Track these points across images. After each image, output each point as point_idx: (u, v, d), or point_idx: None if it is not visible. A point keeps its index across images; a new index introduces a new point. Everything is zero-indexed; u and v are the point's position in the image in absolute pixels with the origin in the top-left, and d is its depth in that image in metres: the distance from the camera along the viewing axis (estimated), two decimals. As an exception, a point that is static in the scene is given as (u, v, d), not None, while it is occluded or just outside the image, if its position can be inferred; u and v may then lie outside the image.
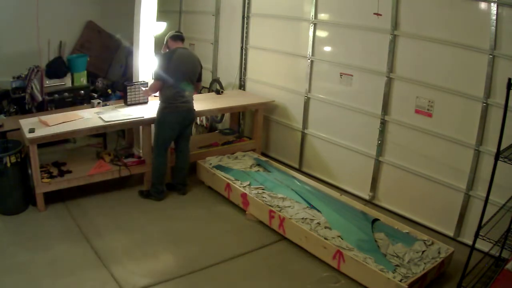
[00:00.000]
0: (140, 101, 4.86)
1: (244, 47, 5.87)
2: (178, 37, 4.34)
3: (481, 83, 3.62)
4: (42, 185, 4.09)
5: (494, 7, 3.44)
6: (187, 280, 3.35)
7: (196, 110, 4.50)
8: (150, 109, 4.70)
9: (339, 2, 4.72)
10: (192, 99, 4.42)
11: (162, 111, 4.27)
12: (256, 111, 5.44)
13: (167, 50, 4.32)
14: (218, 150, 5.22)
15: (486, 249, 3.30)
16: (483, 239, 2.85)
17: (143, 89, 4.67)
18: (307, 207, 3.97)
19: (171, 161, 4.64)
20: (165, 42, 4.39)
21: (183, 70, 4.25)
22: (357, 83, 4.63)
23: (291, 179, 4.56)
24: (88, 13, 6.94)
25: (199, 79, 4.53)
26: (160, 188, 4.45)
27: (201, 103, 5.20)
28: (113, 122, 4.32)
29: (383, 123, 4.42)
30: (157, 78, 4.27)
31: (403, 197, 4.39)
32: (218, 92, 5.70)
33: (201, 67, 4.51)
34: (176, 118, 4.27)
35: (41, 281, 3.23)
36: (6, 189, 4.00)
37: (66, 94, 5.89)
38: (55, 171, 4.35)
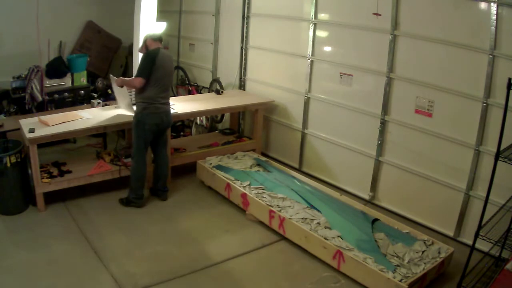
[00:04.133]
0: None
1: (244, 47, 5.87)
2: (158, 38, 4.20)
3: (481, 83, 3.62)
4: (42, 185, 4.09)
5: (494, 7, 3.44)
6: (187, 280, 3.35)
7: (198, 110, 4.38)
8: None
9: (339, 2, 4.72)
10: (169, 101, 4.34)
11: (141, 112, 4.10)
12: (256, 111, 5.44)
13: (149, 49, 4.13)
14: (218, 150, 5.22)
15: (486, 249, 3.30)
16: (483, 239, 2.85)
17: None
18: (307, 207, 3.97)
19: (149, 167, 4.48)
20: (143, 42, 4.22)
21: (164, 72, 4.12)
22: (357, 83, 4.63)
23: (291, 179, 4.56)
24: (88, 13, 6.94)
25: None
26: (140, 193, 4.31)
27: (201, 103, 5.21)
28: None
29: (383, 123, 4.42)
30: (141, 75, 4.01)
31: (403, 197, 4.39)
32: (218, 92, 5.70)
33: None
34: (155, 120, 4.13)
35: (41, 281, 3.24)
36: (6, 189, 4.00)
37: (66, 94, 5.89)
38: (55, 171, 4.35)
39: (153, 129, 4.16)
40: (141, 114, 4.11)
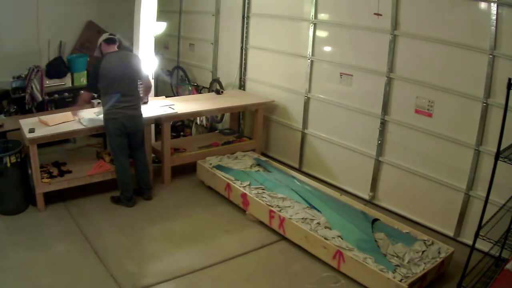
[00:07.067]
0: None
1: (244, 47, 5.87)
2: (111, 40, 4.13)
3: (481, 83, 3.62)
4: (42, 185, 4.09)
5: (494, 7, 3.44)
6: (187, 280, 3.35)
7: (198, 110, 4.26)
8: (148, 109, 4.70)
9: (339, 2, 4.72)
10: (137, 105, 4.21)
11: (104, 117, 4.12)
12: (256, 111, 5.44)
13: (103, 54, 4.11)
14: (218, 150, 5.21)
15: (486, 249, 3.30)
16: (483, 239, 2.85)
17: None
18: (307, 207, 3.97)
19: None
20: (98, 45, 4.17)
21: (115, 76, 4.01)
22: (357, 83, 4.63)
23: (291, 179, 4.56)
24: (88, 13, 6.94)
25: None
26: (128, 195, 4.30)
27: (201, 103, 5.21)
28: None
29: (383, 123, 4.42)
30: (86, 88, 4.18)
31: (403, 197, 4.39)
32: (218, 92, 5.70)
33: (140, 63, 4.26)
34: (116, 125, 4.05)
35: (41, 281, 3.24)
36: (6, 189, 4.01)
37: (66, 94, 5.89)
38: (55, 171, 4.35)
39: (118, 133, 4.10)
40: (104, 120, 4.14)
